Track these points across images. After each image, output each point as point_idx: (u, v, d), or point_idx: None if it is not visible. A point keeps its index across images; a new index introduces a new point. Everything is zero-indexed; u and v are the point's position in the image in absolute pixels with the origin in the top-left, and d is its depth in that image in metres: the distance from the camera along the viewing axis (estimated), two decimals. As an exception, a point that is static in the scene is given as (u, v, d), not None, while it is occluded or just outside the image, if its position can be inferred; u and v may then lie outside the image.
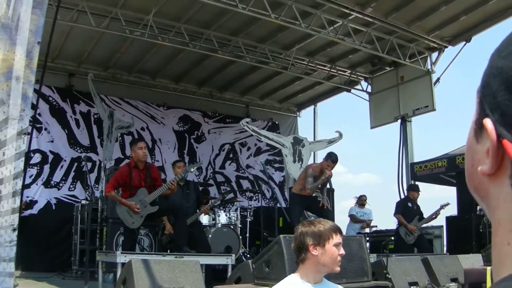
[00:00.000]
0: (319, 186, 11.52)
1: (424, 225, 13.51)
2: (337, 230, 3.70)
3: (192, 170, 10.85)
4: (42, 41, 5.00)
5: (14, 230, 4.03)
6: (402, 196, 15.80)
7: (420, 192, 13.63)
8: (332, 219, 14.44)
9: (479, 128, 0.75)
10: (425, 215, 13.28)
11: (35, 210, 14.52)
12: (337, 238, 3.63)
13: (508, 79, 0.69)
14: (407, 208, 13.33)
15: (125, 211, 9.45)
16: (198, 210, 11.35)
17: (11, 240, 4.00)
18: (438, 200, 13.25)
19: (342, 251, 3.65)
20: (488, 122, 0.71)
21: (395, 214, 13.48)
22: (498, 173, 0.71)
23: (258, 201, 15.32)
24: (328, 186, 12.23)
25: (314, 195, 11.69)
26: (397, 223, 13.44)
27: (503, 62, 0.72)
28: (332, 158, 11.42)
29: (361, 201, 16.48)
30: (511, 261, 0.69)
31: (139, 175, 9.69)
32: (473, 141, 0.76)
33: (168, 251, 10.66)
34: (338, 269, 3.67)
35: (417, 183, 15.54)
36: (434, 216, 13.31)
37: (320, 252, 3.58)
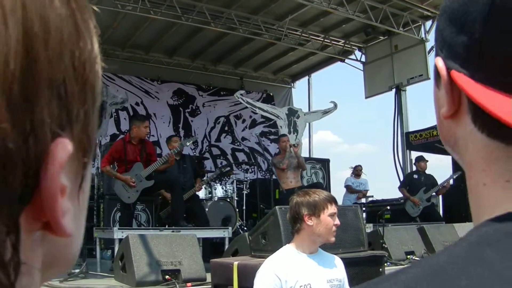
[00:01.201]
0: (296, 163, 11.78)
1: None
2: (332, 200, 3.72)
3: (187, 144, 10.87)
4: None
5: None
6: (398, 166, 15.86)
7: (427, 161, 13.60)
8: (328, 190, 14.50)
9: (436, 73, 0.74)
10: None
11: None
12: (332, 208, 3.65)
13: (450, 14, 0.69)
14: (412, 181, 13.36)
15: (121, 186, 9.46)
16: (195, 184, 11.37)
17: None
18: (433, 169, 13.32)
19: (337, 221, 3.67)
20: (438, 60, 0.71)
21: (399, 188, 13.53)
22: (459, 113, 0.70)
23: (254, 174, 15.34)
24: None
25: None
26: (403, 197, 13.47)
27: (446, 1, 0.72)
28: (281, 136, 12.42)
29: (356, 171, 16.49)
30: (489, 203, 0.67)
31: (134, 150, 9.69)
32: (435, 90, 0.76)
33: (166, 226, 10.69)
34: (333, 239, 3.69)
35: (412, 152, 15.59)
36: (443, 186, 13.31)
37: (315, 222, 3.60)
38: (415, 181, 13.30)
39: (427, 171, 13.51)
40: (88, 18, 0.47)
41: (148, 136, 16.24)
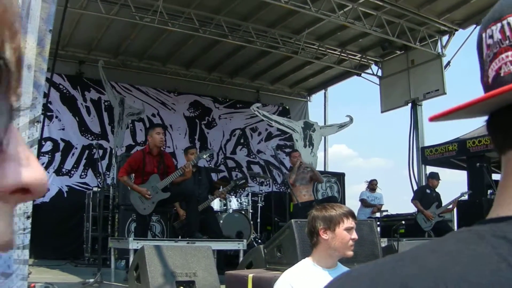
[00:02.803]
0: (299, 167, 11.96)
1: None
2: (350, 214, 3.70)
3: (204, 156, 10.86)
4: (52, 29, 5.01)
5: (28, 217, 4.05)
6: (413, 180, 15.81)
7: (440, 180, 13.60)
8: (343, 204, 14.48)
9: None
10: (443, 202, 13.31)
11: (47, 198, 14.53)
12: (348, 223, 3.64)
13: None
14: (425, 195, 13.32)
15: (137, 197, 9.48)
16: (209, 196, 11.39)
17: (25, 228, 4.02)
18: (448, 184, 13.30)
19: (354, 236, 3.66)
20: None
21: (412, 200, 13.48)
22: None
23: (269, 186, 15.34)
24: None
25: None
26: (416, 210, 13.44)
27: None
28: (292, 151, 12.94)
29: (371, 185, 16.44)
30: None
31: (152, 161, 9.71)
32: None
33: (180, 237, 10.71)
34: (350, 253, 3.67)
35: (427, 167, 15.54)
36: (453, 203, 13.30)
37: (330, 236, 3.60)
38: (428, 196, 13.28)
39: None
40: None
41: (164, 147, 16.38)
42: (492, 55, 0.79)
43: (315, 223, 3.67)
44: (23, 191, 0.44)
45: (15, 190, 0.44)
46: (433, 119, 0.79)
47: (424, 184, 15.23)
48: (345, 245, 3.61)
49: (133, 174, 9.83)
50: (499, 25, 0.78)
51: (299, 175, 11.85)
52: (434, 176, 13.63)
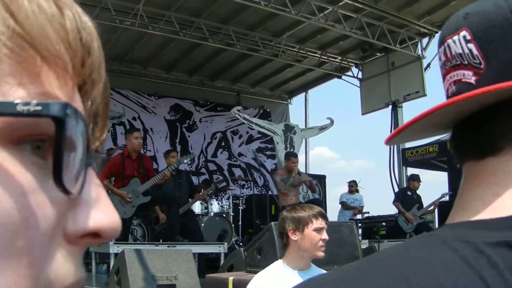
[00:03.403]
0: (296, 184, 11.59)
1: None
2: (319, 215, 3.67)
3: (185, 161, 10.91)
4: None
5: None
6: (394, 182, 15.87)
7: (421, 182, 13.65)
8: (324, 207, 14.50)
9: None
10: (425, 203, 13.37)
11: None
12: (318, 223, 3.61)
13: None
14: (406, 197, 13.36)
15: (117, 200, 9.46)
16: (190, 200, 11.39)
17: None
18: (429, 186, 13.37)
19: (325, 236, 3.63)
20: None
21: (393, 202, 13.52)
22: None
23: (250, 189, 15.33)
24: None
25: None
26: (397, 212, 13.48)
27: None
28: (292, 155, 11.90)
29: (350, 187, 16.42)
30: None
31: (132, 165, 9.74)
32: None
33: (161, 240, 10.71)
34: (321, 254, 3.65)
35: (408, 168, 15.60)
36: (434, 205, 13.35)
37: (299, 237, 3.58)
38: (408, 198, 13.32)
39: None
40: None
41: (145, 151, 16.34)
42: (442, 75, 0.84)
43: (284, 224, 3.66)
44: (94, 235, 0.45)
45: (84, 235, 0.45)
46: (388, 141, 0.81)
47: (405, 185, 15.29)
48: (314, 246, 3.59)
49: (113, 178, 9.80)
50: (442, 48, 0.83)
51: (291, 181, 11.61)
52: (415, 178, 13.68)
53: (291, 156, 11.80)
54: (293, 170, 11.34)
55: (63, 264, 0.43)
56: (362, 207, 16.13)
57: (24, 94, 0.40)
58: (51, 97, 0.42)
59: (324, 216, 3.71)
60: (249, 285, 3.61)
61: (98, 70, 0.50)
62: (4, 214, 0.38)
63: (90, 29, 0.49)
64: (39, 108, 0.39)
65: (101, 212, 0.45)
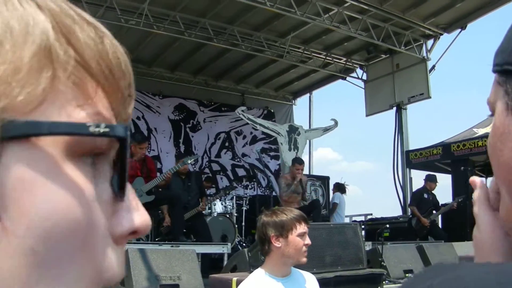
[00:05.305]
0: (300, 193, 11.55)
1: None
2: (302, 219, 3.55)
3: (189, 162, 10.92)
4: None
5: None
6: (398, 184, 15.84)
7: (437, 183, 13.56)
8: (327, 207, 14.51)
9: None
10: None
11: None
12: (301, 228, 3.50)
13: None
14: (422, 200, 13.25)
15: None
16: (200, 201, 11.37)
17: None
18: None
19: (308, 241, 3.52)
20: None
21: (409, 205, 13.48)
22: None
23: (254, 190, 15.33)
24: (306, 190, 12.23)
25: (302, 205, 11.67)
26: (401, 213, 13.43)
27: None
28: (297, 161, 11.79)
29: (339, 188, 16.11)
30: None
31: (135, 165, 9.78)
32: (509, 121, 0.70)
33: (166, 241, 10.74)
34: (304, 259, 3.54)
35: (412, 170, 15.58)
36: (449, 208, 13.27)
37: (283, 243, 3.45)
38: (424, 201, 13.18)
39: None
40: None
41: (149, 150, 16.37)
42: None
43: (266, 230, 3.51)
44: (133, 233, 0.53)
45: (128, 234, 0.53)
46: None
47: (410, 188, 15.27)
48: (299, 251, 3.48)
49: None
50: None
51: (295, 189, 11.46)
52: (432, 179, 13.53)
53: (296, 162, 11.75)
54: (296, 178, 11.33)
55: (114, 261, 0.51)
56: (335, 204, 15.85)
57: (84, 115, 0.48)
58: (103, 117, 0.50)
59: (306, 220, 3.58)
60: None
61: (133, 88, 0.59)
62: (76, 220, 0.46)
63: (124, 54, 0.57)
64: (107, 130, 0.47)
65: (139, 214, 0.53)
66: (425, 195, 13.32)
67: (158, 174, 10.37)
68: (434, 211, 13.10)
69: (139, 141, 10.33)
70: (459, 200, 13.07)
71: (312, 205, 11.92)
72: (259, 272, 3.55)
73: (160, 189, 10.10)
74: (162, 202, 10.45)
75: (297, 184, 11.34)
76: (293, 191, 11.33)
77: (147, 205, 9.60)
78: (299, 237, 3.47)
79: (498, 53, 0.73)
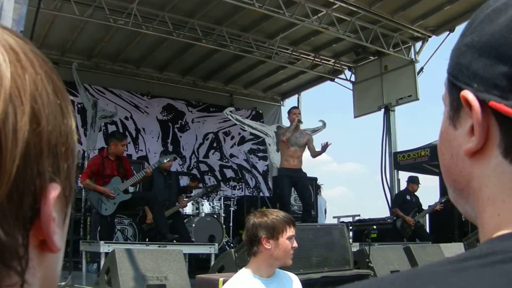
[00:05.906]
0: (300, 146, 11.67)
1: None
2: (291, 222, 3.57)
3: (165, 161, 11.07)
4: (25, 30, 4.96)
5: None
6: (386, 185, 15.87)
7: (420, 184, 13.64)
8: (315, 208, 14.52)
9: (455, 112, 0.73)
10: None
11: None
12: (290, 231, 3.52)
13: (480, 48, 0.70)
14: (405, 201, 13.32)
15: (97, 198, 9.73)
16: (178, 201, 11.53)
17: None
18: (420, 190, 13.30)
19: (295, 244, 3.55)
20: (468, 94, 0.69)
21: (392, 208, 13.53)
22: (485, 148, 0.69)
23: (242, 190, 15.31)
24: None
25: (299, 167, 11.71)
26: (388, 215, 13.48)
27: (469, 37, 0.73)
28: (292, 108, 12.34)
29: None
30: (498, 230, 0.68)
31: (111, 165, 10.10)
32: (450, 130, 0.75)
33: (147, 239, 10.81)
34: (290, 262, 3.57)
35: (400, 172, 15.62)
36: (433, 209, 13.33)
37: (273, 245, 3.46)
38: (408, 202, 13.28)
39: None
40: (68, 104, 0.67)
41: (137, 150, 16.37)
42: None
43: (256, 231, 3.51)
44: None
45: None
46: None
47: (398, 189, 15.31)
48: (287, 254, 3.50)
49: (93, 178, 9.99)
50: None
51: (294, 135, 11.54)
52: (414, 181, 13.64)
53: (292, 108, 12.15)
54: (294, 120, 11.50)
55: None
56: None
57: None
58: None
59: (294, 223, 3.60)
60: None
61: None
62: None
63: None
64: None
65: None
66: (408, 197, 13.40)
67: (134, 173, 10.54)
68: (417, 213, 13.17)
69: (120, 138, 10.47)
70: (442, 201, 13.13)
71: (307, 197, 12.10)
72: (245, 273, 3.56)
73: (140, 188, 10.27)
74: (138, 203, 10.74)
75: (297, 124, 11.51)
76: (292, 132, 11.48)
77: (124, 204, 9.82)
78: (288, 240, 3.49)
79: (449, 59, 0.75)
